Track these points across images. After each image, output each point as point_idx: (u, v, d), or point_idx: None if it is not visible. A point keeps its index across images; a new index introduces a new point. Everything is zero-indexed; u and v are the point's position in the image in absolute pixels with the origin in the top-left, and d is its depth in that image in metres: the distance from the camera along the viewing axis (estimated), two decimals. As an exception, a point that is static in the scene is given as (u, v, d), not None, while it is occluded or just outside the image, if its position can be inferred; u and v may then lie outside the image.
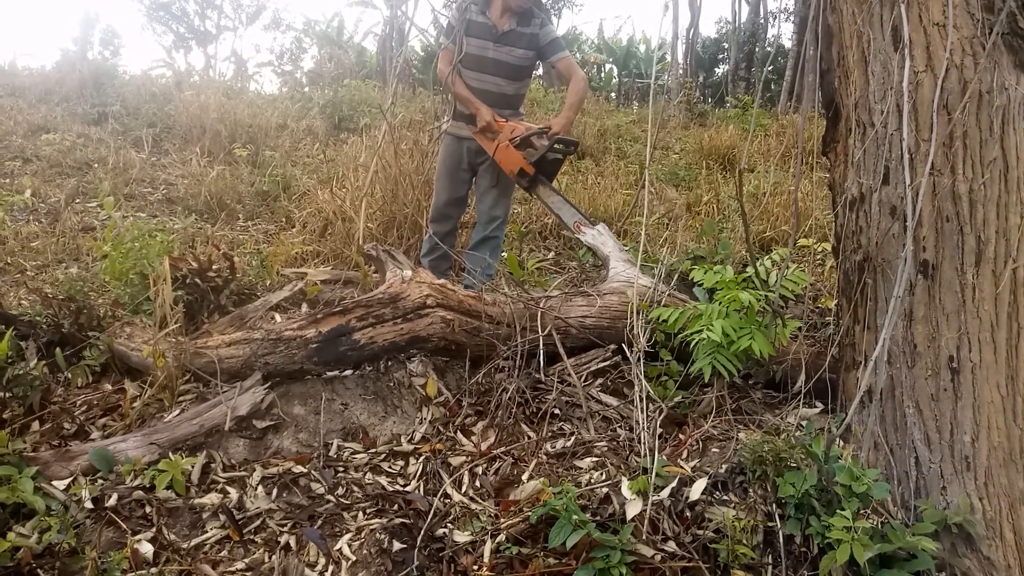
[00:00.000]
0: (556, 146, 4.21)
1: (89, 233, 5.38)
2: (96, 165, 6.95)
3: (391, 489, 2.69)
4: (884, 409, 2.52)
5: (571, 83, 4.41)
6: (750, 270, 3.08)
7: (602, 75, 21.84)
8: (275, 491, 2.61)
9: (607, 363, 3.35)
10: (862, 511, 2.26)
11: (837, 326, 2.89)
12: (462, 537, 2.42)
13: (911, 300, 2.45)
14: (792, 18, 19.10)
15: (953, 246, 2.40)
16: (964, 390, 2.38)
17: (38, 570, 2.16)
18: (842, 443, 2.53)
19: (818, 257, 4.84)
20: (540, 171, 4.29)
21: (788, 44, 18.50)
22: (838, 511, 2.18)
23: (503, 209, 4.58)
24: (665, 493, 2.43)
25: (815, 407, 2.96)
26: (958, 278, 2.39)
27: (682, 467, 2.59)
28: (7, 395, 2.81)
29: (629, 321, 3.22)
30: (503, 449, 2.90)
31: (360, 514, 2.55)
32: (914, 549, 2.16)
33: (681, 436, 2.88)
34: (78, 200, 6.17)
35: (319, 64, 16.53)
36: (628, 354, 3.14)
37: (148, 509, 2.44)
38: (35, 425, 2.83)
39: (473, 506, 2.60)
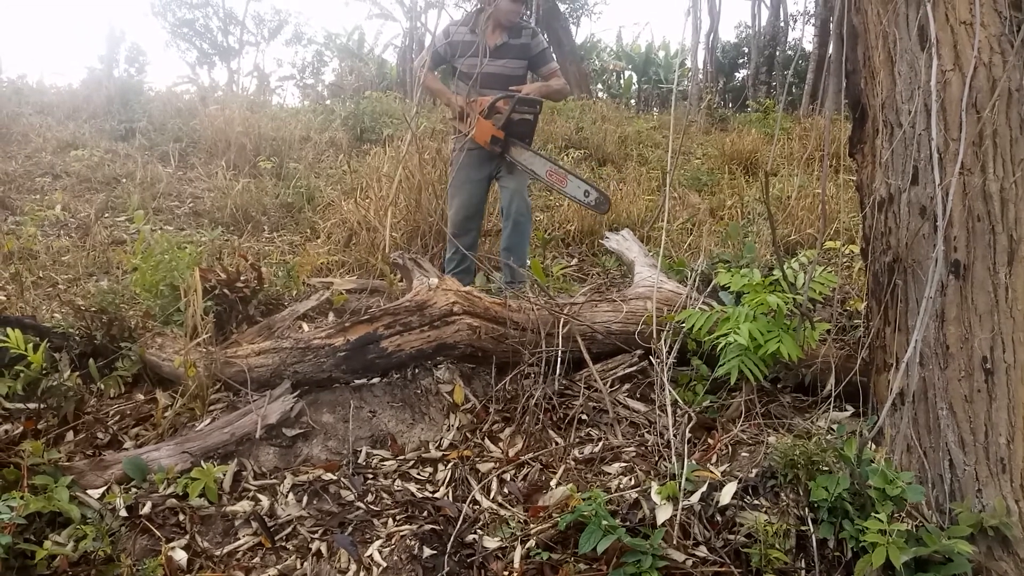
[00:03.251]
0: (519, 107, 4.34)
1: (119, 246, 5.45)
2: (124, 180, 7.04)
3: (420, 496, 2.70)
4: (917, 411, 2.49)
5: (554, 79, 4.63)
6: (777, 273, 3.06)
7: (621, 82, 21.81)
8: (306, 498, 2.63)
9: (634, 368, 3.34)
10: (896, 514, 2.24)
11: (867, 328, 2.86)
12: (492, 543, 2.42)
13: (943, 301, 2.43)
14: (813, 21, 18.98)
15: (985, 245, 2.37)
16: (999, 391, 2.35)
17: (75, 577, 2.20)
18: (874, 446, 2.51)
19: (845, 259, 4.79)
20: (511, 134, 4.40)
21: (809, 47, 18.39)
22: (872, 514, 2.16)
23: (523, 192, 4.68)
24: (695, 498, 2.42)
25: (846, 410, 2.93)
26: (990, 278, 2.36)
27: (712, 472, 2.57)
28: (42, 406, 2.86)
29: (652, 328, 3.22)
30: (531, 455, 2.90)
31: (390, 521, 2.56)
32: (950, 552, 2.13)
33: (710, 441, 2.86)
34: (107, 214, 6.25)
35: (340, 77, 16.66)
36: (654, 360, 3.13)
37: (181, 517, 2.47)
38: (69, 435, 2.87)
39: (502, 512, 2.60)
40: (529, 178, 4.63)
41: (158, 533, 2.38)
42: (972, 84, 2.36)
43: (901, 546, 2.07)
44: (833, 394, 2.88)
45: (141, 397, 3.14)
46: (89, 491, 2.50)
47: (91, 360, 3.13)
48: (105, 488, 2.53)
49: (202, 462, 2.65)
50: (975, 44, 2.35)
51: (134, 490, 2.53)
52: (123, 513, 2.42)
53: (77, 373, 3.00)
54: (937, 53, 2.38)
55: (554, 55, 4.76)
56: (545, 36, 4.73)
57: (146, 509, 2.46)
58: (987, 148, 2.36)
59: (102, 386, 3.14)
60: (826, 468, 2.35)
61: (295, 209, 6.69)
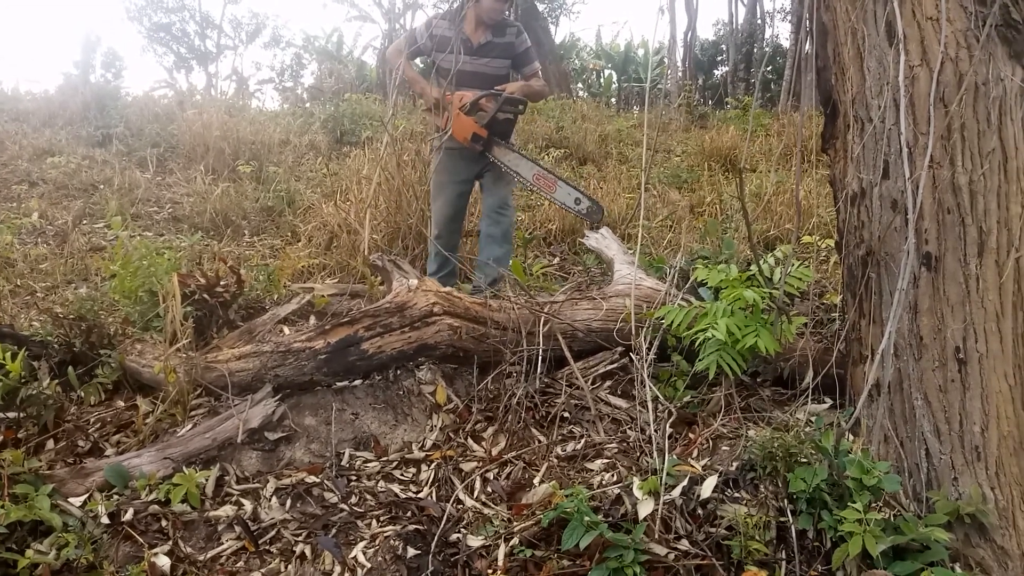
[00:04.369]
0: (505, 107, 4.25)
1: (97, 253, 5.42)
2: (102, 186, 7.00)
3: (404, 496, 2.71)
4: (892, 402, 2.53)
5: (535, 79, 4.58)
6: (754, 268, 3.09)
7: (601, 81, 21.89)
8: (289, 501, 2.64)
9: (615, 365, 3.36)
10: (874, 504, 2.27)
11: (843, 321, 2.90)
12: (476, 541, 2.43)
13: (915, 293, 2.46)
14: (789, 17, 19.13)
15: (955, 237, 2.41)
16: (972, 380, 2.39)
17: (57, 586, 2.19)
18: (852, 437, 2.54)
19: (822, 253, 4.84)
20: (493, 133, 4.31)
21: (786, 44, 18.54)
22: (850, 504, 2.19)
23: (508, 198, 4.60)
24: (676, 492, 2.44)
25: (824, 403, 2.97)
26: (961, 269, 2.40)
27: (693, 466, 2.60)
28: (21, 415, 2.84)
29: (630, 325, 3.24)
30: (514, 453, 2.91)
31: (374, 522, 2.57)
32: (927, 540, 2.16)
33: (691, 435, 2.89)
34: (85, 221, 6.21)
35: (319, 79, 16.62)
36: (634, 357, 3.15)
37: (164, 523, 2.46)
38: (50, 444, 2.85)
39: (486, 511, 2.62)
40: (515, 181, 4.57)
41: (141, 539, 2.38)
42: (939, 79, 2.39)
43: (877, 535, 2.10)
44: (811, 387, 2.92)
45: (121, 404, 3.13)
46: (70, 499, 2.49)
47: (70, 368, 3.11)
48: (87, 496, 2.52)
49: (184, 467, 2.64)
50: (942, 39, 2.39)
51: (116, 497, 2.52)
52: (105, 520, 2.41)
53: (56, 381, 2.98)
54: (904, 49, 2.42)
55: (535, 55, 4.67)
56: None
57: (128, 516, 2.45)
58: (955, 141, 2.40)
59: (82, 394, 3.12)
60: (804, 460, 2.38)
61: (275, 213, 6.67)
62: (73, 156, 7.59)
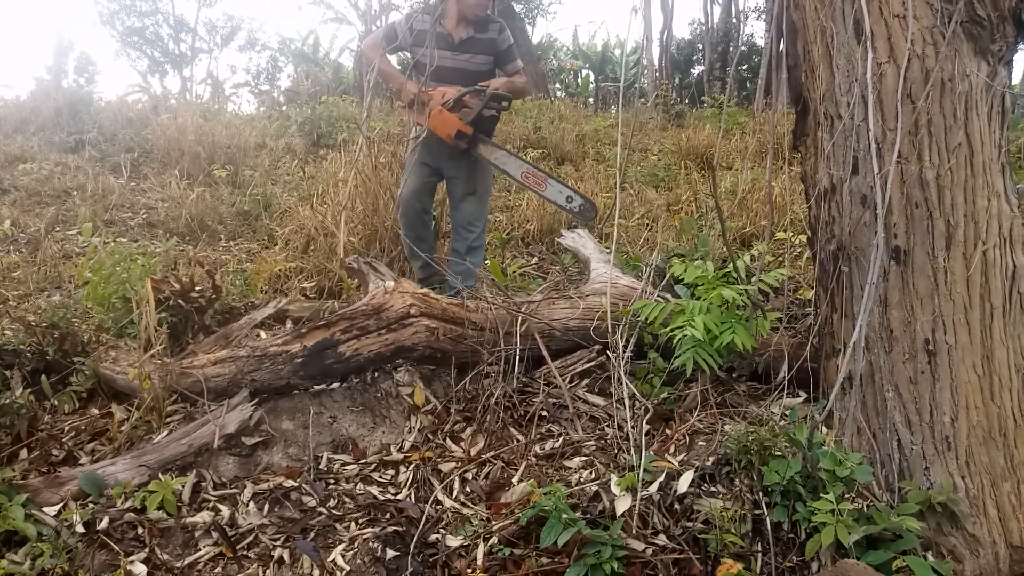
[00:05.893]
0: (490, 103, 4.17)
1: (70, 260, 5.36)
2: (75, 193, 6.92)
3: (383, 498, 2.71)
4: (865, 394, 2.56)
5: (517, 76, 4.49)
6: (730, 265, 3.12)
7: (579, 81, 21.92)
8: (267, 506, 2.63)
9: (592, 363, 3.38)
10: (847, 495, 2.30)
11: (816, 316, 2.93)
12: (455, 541, 2.44)
13: (885, 286, 2.50)
14: (764, 16, 19.27)
15: (924, 231, 2.44)
16: (941, 372, 2.42)
17: (32, 596, 2.17)
18: (825, 429, 2.57)
19: (796, 249, 4.88)
20: (478, 130, 4.23)
21: (761, 42, 18.67)
22: (823, 496, 2.22)
23: (481, 216, 4.56)
24: (654, 488, 2.46)
25: (798, 396, 2.99)
26: (930, 262, 2.44)
27: (669, 461, 2.62)
28: (-6, 424, 2.81)
29: (607, 323, 3.26)
30: (492, 453, 2.92)
31: (352, 524, 2.57)
32: (899, 529, 2.19)
33: (668, 431, 2.91)
34: (58, 228, 6.14)
35: (296, 82, 16.48)
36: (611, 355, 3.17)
37: (140, 530, 2.44)
38: (23, 453, 2.82)
39: (465, 511, 2.62)
40: (497, 176, 4.43)
41: (117, 548, 2.36)
42: (906, 75, 2.43)
43: (850, 525, 2.13)
44: (785, 381, 2.94)
45: (96, 412, 3.10)
46: (45, 508, 2.47)
47: (44, 376, 3.08)
48: (61, 505, 2.50)
49: (160, 474, 2.63)
50: (908, 36, 2.43)
51: (91, 505, 2.51)
52: (80, 529, 2.40)
53: (30, 390, 2.95)
54: (872, 46, 2.45)
55: (517, 53, 4.61)
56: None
57: (103, 524, 2.43)
58: (923, 137, 2.44)
59: (56, 402, 3.09)
60: (779, 453, 2.41)
61: (252, 217, 6.62)
62: (45, 162, 7.50)
